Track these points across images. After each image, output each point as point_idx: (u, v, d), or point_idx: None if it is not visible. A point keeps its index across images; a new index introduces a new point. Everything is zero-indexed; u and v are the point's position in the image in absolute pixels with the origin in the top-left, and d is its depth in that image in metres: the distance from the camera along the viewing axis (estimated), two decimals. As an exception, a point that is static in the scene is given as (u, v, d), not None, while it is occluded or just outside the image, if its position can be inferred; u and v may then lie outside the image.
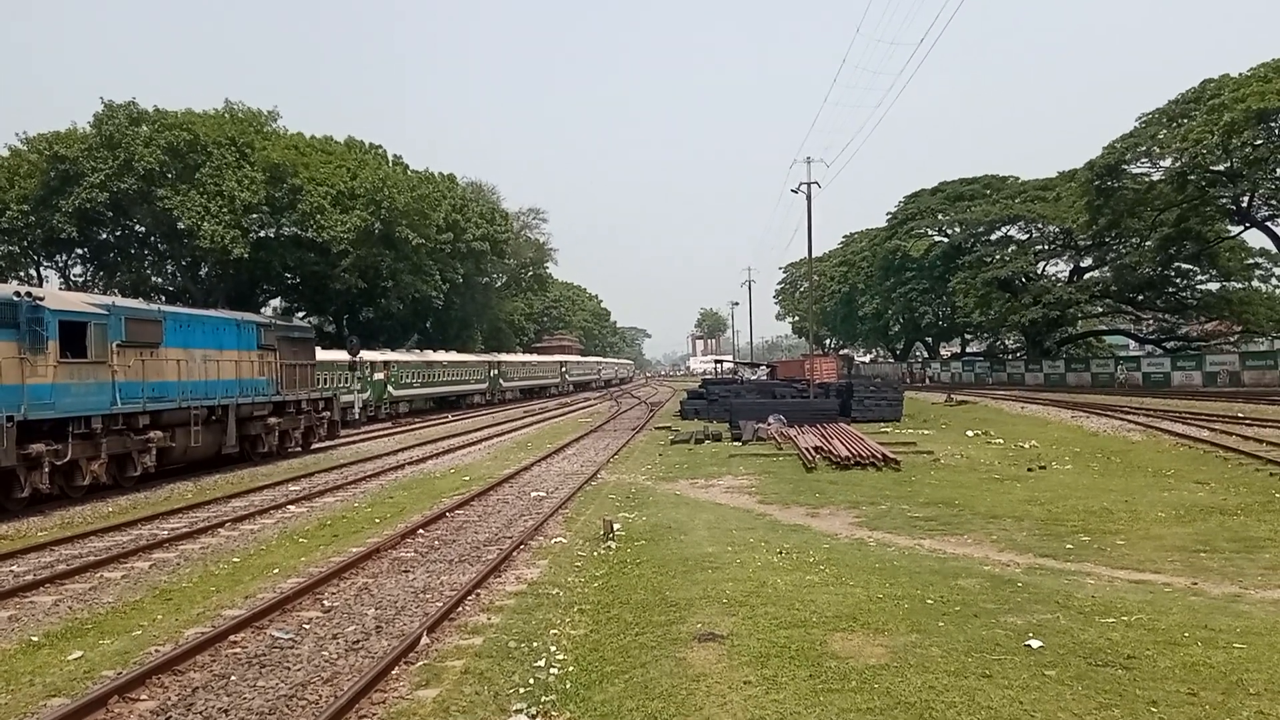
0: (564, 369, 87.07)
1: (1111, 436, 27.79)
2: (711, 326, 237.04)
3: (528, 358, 79.61)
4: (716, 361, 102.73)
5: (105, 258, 57.63)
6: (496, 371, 64.48)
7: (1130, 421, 30.86)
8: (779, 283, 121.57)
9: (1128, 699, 6.30)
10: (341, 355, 40.24)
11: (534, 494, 18.66)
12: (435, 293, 58.93)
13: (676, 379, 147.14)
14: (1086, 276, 68.44)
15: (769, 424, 31.06)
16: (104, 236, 55.69)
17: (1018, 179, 77.26)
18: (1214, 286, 61.67)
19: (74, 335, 18.19)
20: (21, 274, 52.55)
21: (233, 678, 7.75)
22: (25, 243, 53.18)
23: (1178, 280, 61.36)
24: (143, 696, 7.33)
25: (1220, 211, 54.64)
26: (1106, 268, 66.35)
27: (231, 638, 8.81)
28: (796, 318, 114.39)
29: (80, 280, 57.20)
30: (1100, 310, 70.76)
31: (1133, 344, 77.56)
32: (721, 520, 14.75)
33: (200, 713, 6.97)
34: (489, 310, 77.24)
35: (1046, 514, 14.62)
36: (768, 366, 77.28)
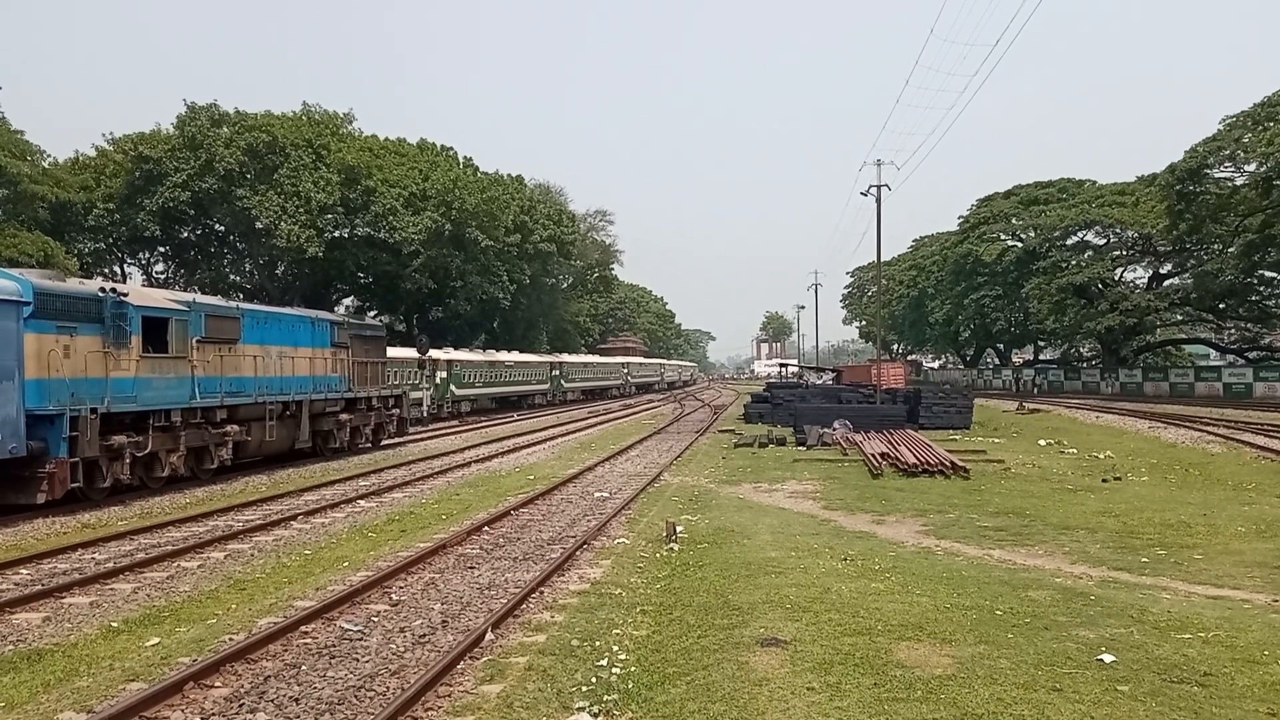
0: (626, 370, 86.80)
1: (1190, 448, 27.01)
2: (776, 330, 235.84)
3: (589, 359, 79.51)
4: (781, 365, 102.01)
5: (186, 255, 59.39)
6: (558, 372, 64.31)
7: (1210, 433, 29.96)
8: (846, 286, 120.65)
9: (1203, 717, 6.13)
10: (411, 353, 40.86)
11: (597, 494, 18.74)
12: (502, 294, 59.59)
13: (740, 382, 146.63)
14: (1166, 283, 66.64)
15: (834, 429, 30.79)
16: (185, 235, 57.44)
17: (1094, 183, 75.50)
18: (1300, 295, 59.65)
19: (156, 330, 18.76)
20: (106, 270, 54.41)
21: (303, 667, 7.92)
22: (110, 240, 55.11)
23: (1261, 288, 59.36)
24: (217, 683, 7.52)
25: (1308, 218, 52.73)
26: (1187, 274, 64.53)
27: (302, 628, 8.99)
28: (864, 322, 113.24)
29: (162, 277, 59.07)
30: (1180, 318, 68.80)
31: (1213, 353, 75.27)
32: (785, 525, 14.66)
33: (272, 700, 7.13)
34: (555, 311, 77.85)
35: (1121, 526, 14.27)
36: (833, 371, 76.63)
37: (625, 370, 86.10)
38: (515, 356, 58.06)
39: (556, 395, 63.54)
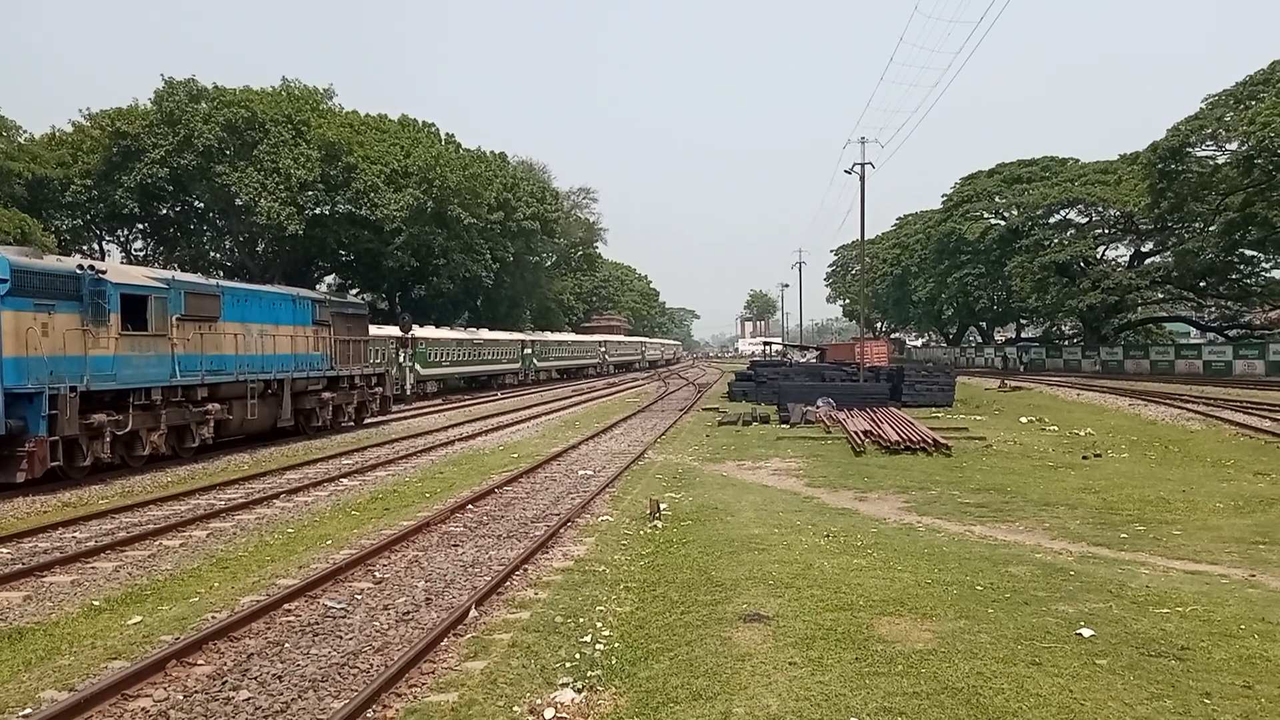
0: (604, 349, 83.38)
1: (1170, 425, 27.24)
2: (761, 308, 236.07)
3: (564, 337, 76.16)
4: (765, 343, 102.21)
5: (165, 233, 58.87)
6: (530, 351, 61.11)
7: (1190, 410, 30.23)
8: (830, 265, 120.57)
9: (1181, 690, 6.20)
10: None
11: (581, 472, 18.76)
12: (485, 272, 59.39)
13: (725, 361, 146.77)
14: (1147, 262, 66.96)
15: (818, 407, 30.88)
16: (164, 212, 56.91)
17: (1077, 161, 75.69)
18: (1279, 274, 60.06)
19: (135, 308, 18.58)
20: (84, 248, 53.96)
21: (286, 645, 7.92)
22: (88, 217, 54.56)
23: (1242, 267, 59.71)
24: (199, 661, 7.51)
25: (1288, 196, 53.05)
26: (1168, 253, 64.84)
27: (286, 606, 8.99)
28: (847, 300, 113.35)
29: (141, 254, 58.58)
30: (1160, 296, 69.15)
31: (1194, 331, 75.80)
32: (768, 502, 14.72)
33: (255, 678, 7.13)
34: (538, 289, 77.70)
35: (1101, 502, 14.39)
36: (817, 349, 76.73)
37: (603, 349, 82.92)
38: (485, 334, 55.69)
39: (529, 375, 60.84)
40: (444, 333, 49.46)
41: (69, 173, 49.85)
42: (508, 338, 58.86)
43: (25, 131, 48.96)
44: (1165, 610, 8.15)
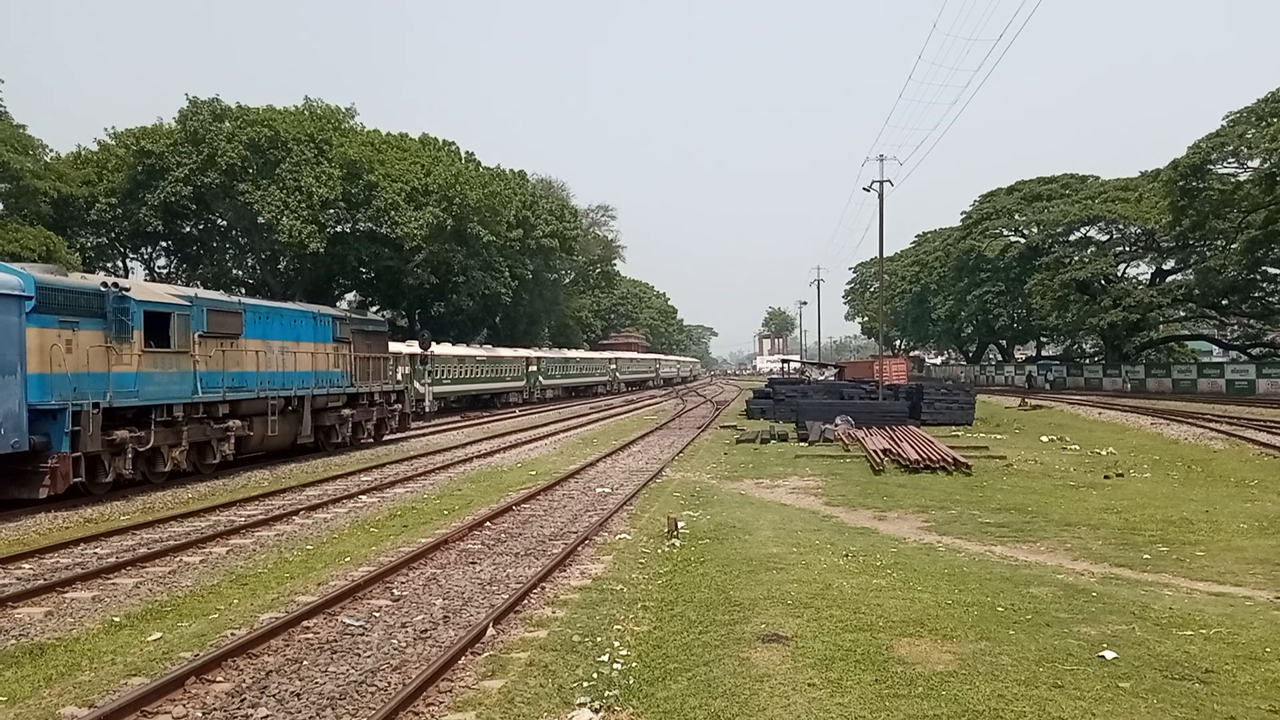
0: (615, 366, 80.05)
1: (1193, 445, 26.97)
2: (779, 326, 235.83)
3: (572, 354, 72.75)
4: (783, 361, 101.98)
5: (188, 250, 59.41)
6: (535, 369, 58.54)
7: (1213, 429, 29.92)
8: (848, 282, 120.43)
9: (1205, 714, 6.12)
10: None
11: (599, 490, 18.74)
12: (504, 289, 59.55)
13: (743, 378, 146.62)
14: (1169, 279, 66.52)
15: (836, 425, 30.78)
16: (187, 230, 57.44)
17: (1098, 178, 75.41)
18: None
19: (158, 325, 18.75)
20: (109, 265, 54.49)
21: (305, 662, 7.93)
22: (113, 235, 55.13)
23: (1264, 285, 59.20)
24: (219, 678, 7.53)
25: (1311, 214, 52.64)
26: (1190, 270, 64.34)
27: (304, 623, 9.00)
28: (866, 318, 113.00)
29: (164, 272, 59.12)
30: (1183, 314, 68.66)
31: (1216, 350, 75.15)
32: (787, 521, 14.66)
33: (274, 695, 7.14)
34: (557, 307, 77.81)
35: (1123, 523, 14.26)
36: (835, 367, 76.51)
37: (613, 366, 79.58)
38: (487, 351, 53.64)
39: (534, 393, 57.98)
40: (444, 349, 46.90)
41: (94, 191, 50.38)
42: (511, 354, 56.55)
43: (52, 150, 49.55)
44: (1189, 632, 8.05)
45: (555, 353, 67.91)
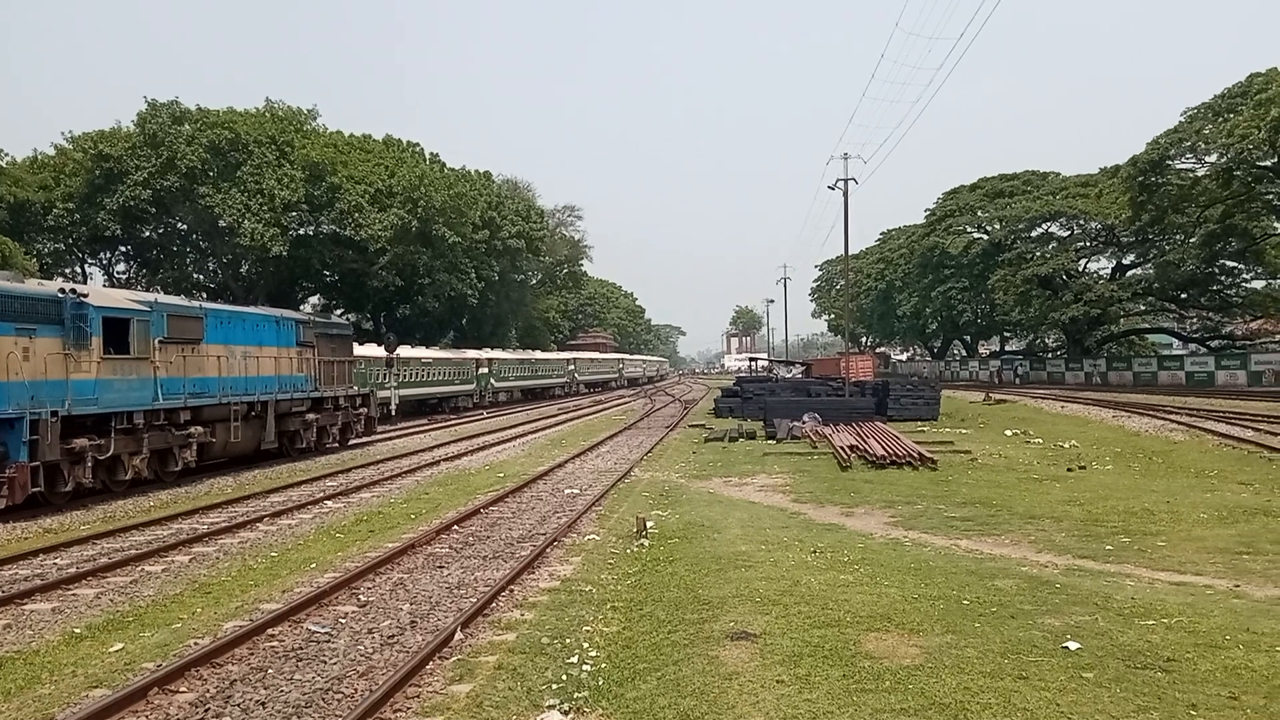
0: (573, 367, 77.30)
1: (1153, 436, 27.37)
2: (746, 324, 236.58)
3: (526, 354, 69.61)
4: (751, 359, 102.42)
5: (148, 255, 58.57)
6: (486, 370, 55.93)
7: (1173, 421, 30.38)
8: (815, 280, 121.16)
9: (1167, 702, 6.20)
10: (378, 352, 40.48)
11: (567, 491, 18.70)
12: (471, 291, 59.22)
13: (711, 377, 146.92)
14: (1129, 274, 67.49)
15: (804, 422, 30.92)
16: (147, 234, 56.59)
17: (1059, 175, 76.33)
18: (1260, 284, 60.63)
19: (117, 331, 18.46)
20: (67, 271, 53.54)
21: (270, 671, 7.84)
22: (70, 240, 54.20)
23: (1222, 278, 60.31)
24: (182, 688, 7.43)
25: (1267, 208, 53.68)
26: (1149, 265, 65.40)
27: (269, 631, 8.90)
28: (832, 315, 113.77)
29: (124, 277, 58.23)
30: (1143, 308, 69.75)
31: (1176, 343, 76.36)
32: (755, 519, 14.70)
33: (238, 705, 7.05)
34: (524, 308, 77.49)
35: (1086, 515, 14.43)
36: (803, 364, 76.97)
37: (571, 367, 76.73)
38: (434, 353, 51.18)
39: (484, 397, 55.29)
40: (380, 352, 42.87)
41: (51, 196, 49.56)
42: (459, 356, 53.78)
43: (7, 155, 48.79)
44: (1151, 622, 8.16)
45: (509, 354, 65.56)
